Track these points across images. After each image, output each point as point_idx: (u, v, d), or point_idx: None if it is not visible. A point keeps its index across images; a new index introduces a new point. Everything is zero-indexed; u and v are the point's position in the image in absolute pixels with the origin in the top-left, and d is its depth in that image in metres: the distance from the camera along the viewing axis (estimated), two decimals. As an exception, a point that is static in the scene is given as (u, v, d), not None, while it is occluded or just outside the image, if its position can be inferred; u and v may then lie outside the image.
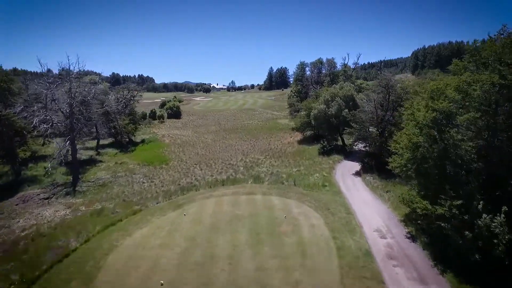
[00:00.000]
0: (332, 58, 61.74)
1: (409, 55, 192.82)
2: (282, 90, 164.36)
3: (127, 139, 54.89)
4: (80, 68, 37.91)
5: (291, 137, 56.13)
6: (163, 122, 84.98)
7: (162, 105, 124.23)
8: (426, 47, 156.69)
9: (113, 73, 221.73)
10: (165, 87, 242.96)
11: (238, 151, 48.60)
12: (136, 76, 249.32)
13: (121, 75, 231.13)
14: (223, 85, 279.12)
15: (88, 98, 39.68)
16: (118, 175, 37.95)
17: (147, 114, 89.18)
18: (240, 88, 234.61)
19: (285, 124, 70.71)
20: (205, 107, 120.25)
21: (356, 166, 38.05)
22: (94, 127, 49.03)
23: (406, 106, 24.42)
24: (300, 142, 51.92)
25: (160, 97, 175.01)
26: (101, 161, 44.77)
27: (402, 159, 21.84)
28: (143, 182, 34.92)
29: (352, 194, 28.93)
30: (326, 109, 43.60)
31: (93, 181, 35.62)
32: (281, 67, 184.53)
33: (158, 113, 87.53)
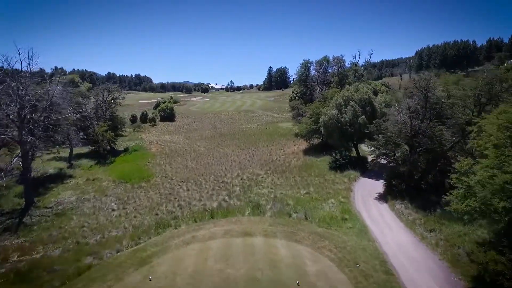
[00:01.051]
0: (341, 55, 53.99)
1: (411, 55, 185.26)
2: (282, 90, 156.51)
3: (108, 148, 46.97)
4: (31, 67, 29.33)
5: (295, 145, 48.36)
6: (155, 125, 77.05)
7: (156, 106, 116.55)
8: (431, 46, 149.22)
9: (109, 72, 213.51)
10: (163, 87, 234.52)
11: (234, 164, 40.84)
12: (133, 76, 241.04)
13: (118, 75, 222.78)
14: (222, 85, 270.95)
15: (46, 101, 31.57)
16: (85, 198, 30.09)
17: (138, 117, 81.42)
18: (239, 88, 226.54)
19: (287, 128, 62.97)
20: (202, 108, 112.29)
21: (378, 186, 30.38)
22: (67, 136, 41.17)
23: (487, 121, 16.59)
24: (306, 152, 44.17)
25: (156, 97, 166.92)
26: (71, 176, 36.92)
27: (475, 200, 14.25)
28: (113, 210, 27.09)
29: (384, 234, 21.18)
30: (339, 115, 35.89)
31: (50, 207, 27.76)
32: (281, 67, 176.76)
33: (149, 115, 79.61)
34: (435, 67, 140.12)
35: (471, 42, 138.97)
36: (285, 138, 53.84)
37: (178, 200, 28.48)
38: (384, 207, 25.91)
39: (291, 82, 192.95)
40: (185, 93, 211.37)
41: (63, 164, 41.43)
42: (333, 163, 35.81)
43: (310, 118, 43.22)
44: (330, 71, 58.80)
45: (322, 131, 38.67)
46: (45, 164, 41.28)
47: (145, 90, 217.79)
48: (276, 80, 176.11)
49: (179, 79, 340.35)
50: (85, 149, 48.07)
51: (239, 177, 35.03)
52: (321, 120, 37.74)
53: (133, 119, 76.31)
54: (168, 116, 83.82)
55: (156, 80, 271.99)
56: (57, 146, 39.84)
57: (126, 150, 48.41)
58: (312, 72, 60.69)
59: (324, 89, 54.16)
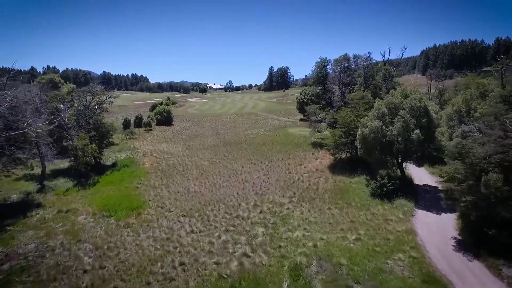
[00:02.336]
0: (368, 53, 45.37)
1: (415, 54, 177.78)
2: (284, 91, 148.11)
3: (92, 162, 37.77)
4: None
5: (316, 159, 39.79)
6: (151, 130, 67.89)
7: (153, 108, 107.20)
8: (437, 46, 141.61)
9: (104, 72, 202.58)
10: (160, 87, 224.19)
11: (248, 185, 32.17)
12: (130, 75, 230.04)
13: (113, 74, 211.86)
14: (220, 85, 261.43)
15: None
16: (49, 246, 21.17)
17: (131, 121, 72.16)
18: (237, 89, 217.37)
19: (300, 136, 54.43)
20: (201, 110, 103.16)
21: (447, 225, 22.18)
22: (37, 151, 31.96)
23: None
24: (333, 169, 35.62)
25: (153, 98, 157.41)
26: (39, 206, 27.90)
27: None
28: (84, 272, 18.28)
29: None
30: (383, 127, 27.41)
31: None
32: (282, 67, 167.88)
33: (144, 119, 70.40)
34: (442, 67, 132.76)
35: (480, 42, 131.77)
36: (301, 149, 45.24)
37: (180, 253, 19.71)
38: (480, 269, 17.43)
39: (292, 82, 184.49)
40: (183, 93, 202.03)
41: (32, 186, 32.30)
42: (376, 188, 27.37)
43: (341, 129, 34.62)
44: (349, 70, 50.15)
45: (359, 146, 30.16)
46: (9, 185, 32.21)
47: (141, 90, 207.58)
48: (277, 81, 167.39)
49: (176, 78, 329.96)
50: (65, 163, 38.83)
51: (258, 208, 26.39)
52: (359, 132, 29.20)
53: (126, 124, 67.08)
54: (165, 119, 74.66)
55: (153, 80, 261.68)
56: (22, 166, 30.62)
57: (114, 165, 39.21)
58: (329, 71, 51.84)
59: (346, 91, 45.45)
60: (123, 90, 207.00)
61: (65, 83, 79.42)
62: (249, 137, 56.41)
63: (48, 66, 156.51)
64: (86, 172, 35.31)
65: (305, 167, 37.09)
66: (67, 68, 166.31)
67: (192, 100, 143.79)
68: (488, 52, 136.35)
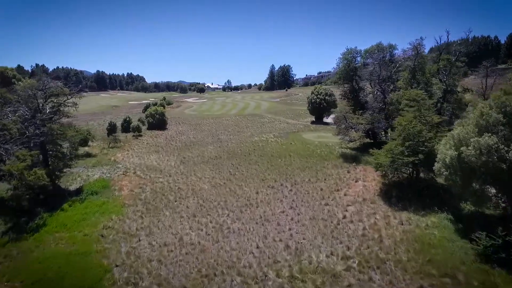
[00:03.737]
0: (420, 39, 33.57)
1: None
2: (286, 90, 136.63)
3: (50, 187, 25.86)
4: None
5: (356, 180, 28.16)
6: (140, 136, 56.00)
7: (146, 109, 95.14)
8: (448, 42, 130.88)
9: (98, 71, 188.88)
10: (157, 87, 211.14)
11: (270, 227, 20.69)
12: (125, 75, 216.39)
13: (108, 73, 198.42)
14: (218, 85, 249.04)
15: None
16: None
17: (118, 125, 60.19)
18: (236, 88, 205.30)
19: (320, 143, 42.98)
20: (199, 111, 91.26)
21: None
22: None
23: None
24: (387, 197, 24.09)
25: (149, 98, 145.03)
26: None
27: None
28: None
29: None
30: (502, 146, 16.14)
31: None
32: (284, 65, 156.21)
33: (133, 122, 58.38)
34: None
35: (493, 38, 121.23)
36: (330, 163, 33.76)
37: None
38: None
39: (294, 81, 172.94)
40: (180, 93, 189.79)
41: None
42: (488, 247, 16.03)
43: (403, 144, 23.03)
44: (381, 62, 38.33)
45: (445, 173, 18.74)
46: None
47: (137, 89, 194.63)
48: (279, 80, 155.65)
49: (174, 78, 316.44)
50: (4, 186, 26.69)
51: (297, 283, 14.96)
52: (450, 154, 17.79)
53: (111, 129, 55.03)
54: (158, 123, 62.73)
55: (150, 80, 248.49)
56: None
57: (79, 192, 27.22)
58: (357, 64, 40.23)
59: (384, 89, 34.01)
60: (118, 89, 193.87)
61: (23, 79, 64.91)
62: (258, 146, 44.80)
63: (36, 65, 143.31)
64: (32, 206, 23.46)
65: (345, 195, 25.62)
66: (57, 67, 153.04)
67: (190, 100, 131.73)
68: (501, 49, 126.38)
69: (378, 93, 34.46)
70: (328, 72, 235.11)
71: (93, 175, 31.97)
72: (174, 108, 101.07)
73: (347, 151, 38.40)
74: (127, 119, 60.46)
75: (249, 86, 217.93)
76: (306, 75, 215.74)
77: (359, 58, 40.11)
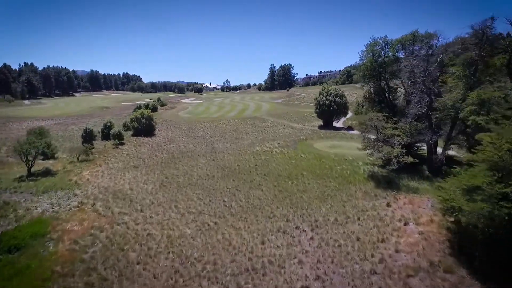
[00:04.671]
0: (488, 22, 24.29)
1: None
2: (287, 90, 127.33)
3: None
4: None
5: (405, 222, 19.03)
6: (122, 144, 46.72)
7: (146, 106, 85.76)
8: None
9: (92, 70, 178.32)
10: (153, 87, 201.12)
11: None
12: (121, 75, 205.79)
13: (102, 73, 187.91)
14: (217, 85, 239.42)
15: None
16: None
17: (98, 131, 50.95)
18: (235, 88, 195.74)
19: (337, 156, 33.86)
20: (194, 114, 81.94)
21: None
22: None
23: None
24: (469, 260, 15.26)
25: (144, 98, 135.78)
26: None
27: None
28: None
29: None
30: None
31: None
32: (285, 64, 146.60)
33: (114, 128, 48.90)
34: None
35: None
36: (358, 189, 24.61)
37: None
38: None
39: (295, 80, 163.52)
40: (178, 93, 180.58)
41: None
42: None
43: (502, 180, 13.96)
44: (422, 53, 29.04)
45: None
46: None
47: (133, 89, 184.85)
48: (280, 79, 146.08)
49: (173, 78, 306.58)
50: None
51: None
52: None
53: (87, 136, 45.58)
54: (145, 128, 53.38)
55: (148, 80, 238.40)
56: None
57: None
58: (381, 55, 30.83)
59: (431, 89, 24.72)
60: (113, 89, 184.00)
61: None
62: (261, 159, 35.58)
63: (25, 63, 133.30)
64: None
65: (397, 251, 16.40)
66: (48, 66, 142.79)
67: (186, 101, 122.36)
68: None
69: (420, 95, 25.20)
70: (329, 71, 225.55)
71: (35, 208, 22.60)
72: (168, 109, 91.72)
73: (375, 169, 29.26)
74: (108, 124, 51.07)
75: (248, 86, 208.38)
76: (307, 74, 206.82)
77: (388, 51, 30.76)
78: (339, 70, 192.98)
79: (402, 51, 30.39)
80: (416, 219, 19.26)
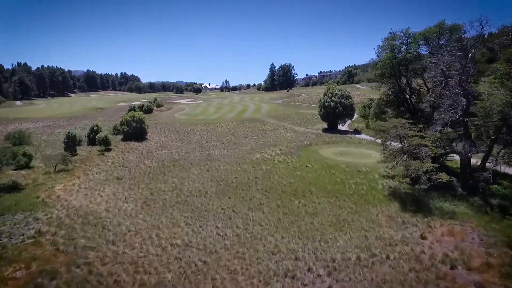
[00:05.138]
0: None
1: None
2: (288, 91, 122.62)
3: None
4: None
5: (450, 266, 14.51)
6: (109, 150, 42.04)
7: (141, 108, 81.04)
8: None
9: (88, 70, 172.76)
10: (151, 87, 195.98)
11: None
12: (119, 75, 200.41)
13: (99, 73, 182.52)
14: (216, 85, 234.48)
15: None
16: None
17: (83, 136, 46.27)
18: (234, 89, 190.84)
19: (345, 164, 29.26)
20: (191, 115, 77.20)
21: None
22: None
23: None
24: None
25: (141, 99, 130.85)
26: None
27: None
28: None
29: None
30: None
31: None
32: (285, 64, 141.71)
33: (101, 133, 44.09)
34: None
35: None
36: (377, 209, 20.11)
37: None
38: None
39: (295, 80, 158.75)
40: (176, 93, 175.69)
41: None
42: None
43: None
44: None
45: None
46: None
47: (130, 90, 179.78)
48: (280, 79, 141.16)
49: (173, 79, 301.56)
50: None
51: None
52: None
53: (69, 142, 40.78)
54: (135, 132, 48.65)
55: (146, 80, 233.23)
56: None
57: None
58: (399, 49, 25.98)
59: (468, 91, 20.01)
60: (110, 90, 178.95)
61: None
62: (261, 170, 30.91)
63: (19, 63, 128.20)
64: None
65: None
66: (42, 66, 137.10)
67: (183, 101, 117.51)
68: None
69: (455, 97, 20.53)
70: (329, 72, 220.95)
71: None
72: (164, 111, 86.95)
73: (396, 184, 24.62)
74: (95, 128, 46.30)
75: (248, 86, 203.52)
76: (307, 75, 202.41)
77: (410, 45, 26.03)
78: (340, 70, 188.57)
79: (424, 46, 25.72)
80: (465, 260, 14.62)
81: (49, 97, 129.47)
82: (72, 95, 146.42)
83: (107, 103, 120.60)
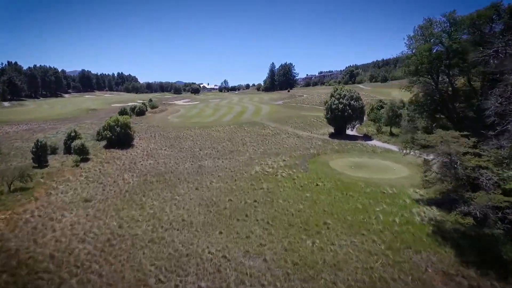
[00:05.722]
0: None
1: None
2: (288, 91, 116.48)
3: None
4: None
5: None
6: (86, 160, 35.88)
7: (132, 110, 75.02)
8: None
9: (83, 70, 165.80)
10: (149, 87, 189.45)
11: None
12: (115, 75, 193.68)
13: (95, 73, 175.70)
14: (215, 85, 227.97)
15: None
16: None
17: (58, 144, 40.15)
18: (233, 89, 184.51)
19: (363, 181, 23.23)
20: (185, 118, 71.08)
21: None
22: None
23: None
24: None
25: (137, 100, 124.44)
26: None
27: None
28: None
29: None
30: None
31: None
32: (285, 63, 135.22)
33: (77, 141, 37.76)
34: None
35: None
36: (429, 262, 14.10)
37: None
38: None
39: (296, 80, 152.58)
40: (174, 93, 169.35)
41: None
42: None
43: None
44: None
45: None
46: None
47: (127, 90, 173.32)
48: (280, 79, 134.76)
49: (172, 79, 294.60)
50: None
51: None
52: None
53: (38, 152, 34.47)
54: (120, 138, 42.53)
55: (144, 80, 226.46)
56: None
57: None
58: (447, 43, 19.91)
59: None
60: (106, 90, 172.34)
61: None
62: (262, 189, 24.82)
63: (9, 62, 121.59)
64: None
65: None
66: (34, 65, 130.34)
67: (180, 102, 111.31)
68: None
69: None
70: (329, 71, 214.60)
71: None
72: (157, 113, 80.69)
73: (440, 214, 18.56)
74: (72, 134, 40.12)
75: (247, 86, 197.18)
76: (307, 74, 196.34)
77: (453, 34, 19.87)
78: (341, 70, 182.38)
79: (467, 35, 19.67)
80: None
81: (41, 98, 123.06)
82: (66, 95, 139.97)
83: (100, 104, 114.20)
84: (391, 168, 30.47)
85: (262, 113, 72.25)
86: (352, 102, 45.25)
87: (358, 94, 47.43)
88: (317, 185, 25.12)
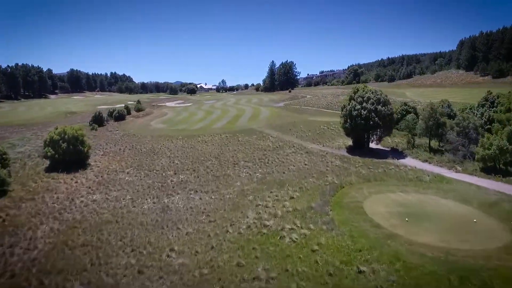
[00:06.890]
0: None
1: (447, 49, 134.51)
2: (290, 91, 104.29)
3: None
4: None
5: None
6: (4, 193, 23.76)
7: (110, 114, 62.96)
8: (486, 32, 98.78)
9: (72, 69, 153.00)
10: (144, 87, 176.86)
11: None
12: (108, 75, 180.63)
13: (85, 73, 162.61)
14: (213, 85, 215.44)
15: None
16: None
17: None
18: (231, 89, 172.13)
19: (430, 250, 11.33)
20: (171, 123, 58.93)
21: None
22: None
23: None
24: None
25: (128, 101, 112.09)
26: None
27: None
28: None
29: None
30: None
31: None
32: (286, 61, 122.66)
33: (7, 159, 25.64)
34: (499, 58, 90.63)
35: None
36: None
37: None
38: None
39: (297, 80, 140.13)
40: (169, 94, 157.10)
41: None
42: None
43: None
44: None
45: None
46: None
47: (120, 90, 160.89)
48: (281, 79, 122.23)
49: (172, 79, 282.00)
50: None
51: None
52: None
53: None
54: (69, 156, 30.30)
55: (144, 79, 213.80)
56: None
57: None
58: None
59: None
60: (98, 91, 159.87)
61: None
62: (258, 280, 12.78)
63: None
64: None
65: None
66: (16, 64, 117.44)
67: (170, 104, 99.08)
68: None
69: None
70: (331, 71, 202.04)
71: None
72: (140, 117, 68.37)
73: None
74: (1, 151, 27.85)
75: (246, 86, 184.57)
76: (308, 74, 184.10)
77: None
78: (343, 70, 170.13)
79: None
80: None
81: (22, 99, 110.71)
82: (52, 96, 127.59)
83: (85, 106, 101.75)
84: (466, 218, 18.37)
85: (261, 117, 60.05)
86: (379, 107, 33.13)
87: (386, 96, 35.25)
88: (359, 272, 12.99)
